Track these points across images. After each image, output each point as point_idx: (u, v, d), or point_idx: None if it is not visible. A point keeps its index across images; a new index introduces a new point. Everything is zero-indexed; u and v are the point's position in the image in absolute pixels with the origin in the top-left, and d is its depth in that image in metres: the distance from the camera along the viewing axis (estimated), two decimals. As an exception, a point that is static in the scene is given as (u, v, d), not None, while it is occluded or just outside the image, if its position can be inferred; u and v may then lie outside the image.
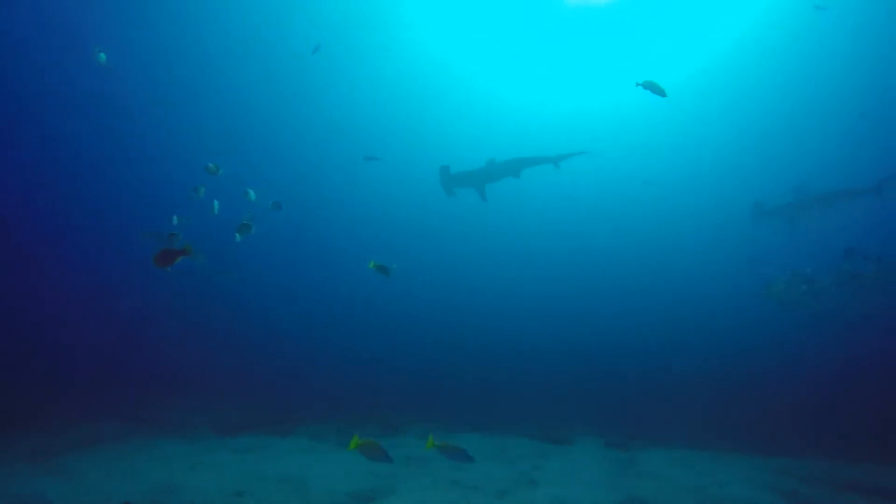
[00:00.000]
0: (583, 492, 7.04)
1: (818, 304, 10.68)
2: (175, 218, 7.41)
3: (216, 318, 19.25)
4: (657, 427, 11.35)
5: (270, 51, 22.87)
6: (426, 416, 12.56)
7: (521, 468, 8.40)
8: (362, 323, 19.85)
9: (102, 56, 9.65)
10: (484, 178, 12.11)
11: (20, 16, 19.93)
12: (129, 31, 21.29)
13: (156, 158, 23.78)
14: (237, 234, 6.85)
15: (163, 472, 7.55)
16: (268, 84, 24.14)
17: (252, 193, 7.91)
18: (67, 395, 12.14)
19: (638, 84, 7.32)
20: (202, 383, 13.86)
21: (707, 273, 19.95)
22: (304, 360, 16.59)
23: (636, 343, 16.34)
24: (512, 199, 20.51)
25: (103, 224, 22.44)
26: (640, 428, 11.31)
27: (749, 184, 18.50)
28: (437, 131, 24.87)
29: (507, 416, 12.44)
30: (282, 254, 23.69)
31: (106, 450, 8.84)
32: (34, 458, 8.28)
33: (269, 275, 22.57)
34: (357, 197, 25.78)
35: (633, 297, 20.16)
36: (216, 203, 7.55)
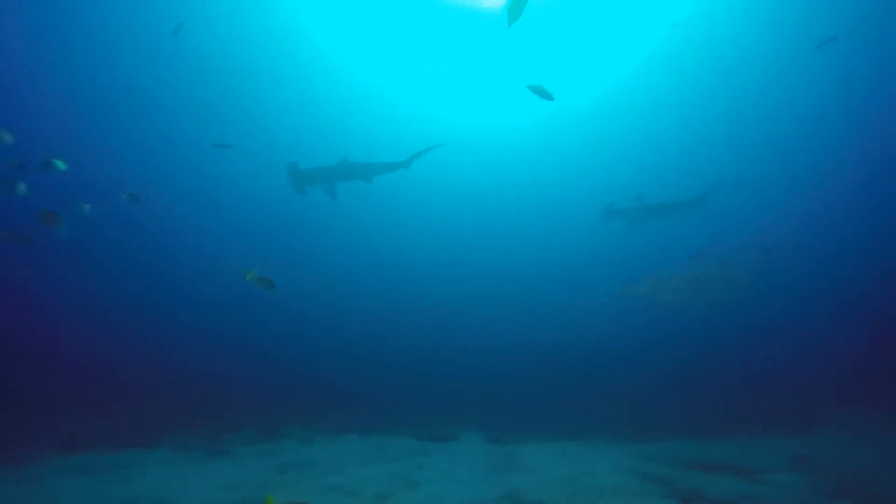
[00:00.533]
0: (462, 489, 7.09)
1: (675, 302, 11.79)
2: None
3: (65, 322, 16.89)
4: (538, 421, 11.83)
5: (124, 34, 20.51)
6: (306, 417, 12.05)
7: (402, 468, 8.29)
8: (234, 320, 18.40)
9: None
10: (334, 176, 11.85)
11: None
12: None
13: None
14: (42, 224, 5.80)
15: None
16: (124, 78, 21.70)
17: (61, 164, 6.57)
18: None
19: (528, 87, 7.46)
20: (44, 397, 12.05)
21: (583, 274, 21.10)
22: (169, 362, 15.09)
23: (518, 341, 16.94)
24: (381, 201, 20.40)
25: None
26: (521, 422, 11.71)
27: (604, 189, 19.56)
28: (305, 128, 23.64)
29: (391, 415, 12.31)
30: (143, 247, 21.39)
31: None
32: None
33: (128, 269, 20.29)
34: (222, 191, 23.76)
35: (514, 298, 20.82)
36: (22, 185, 6.41)
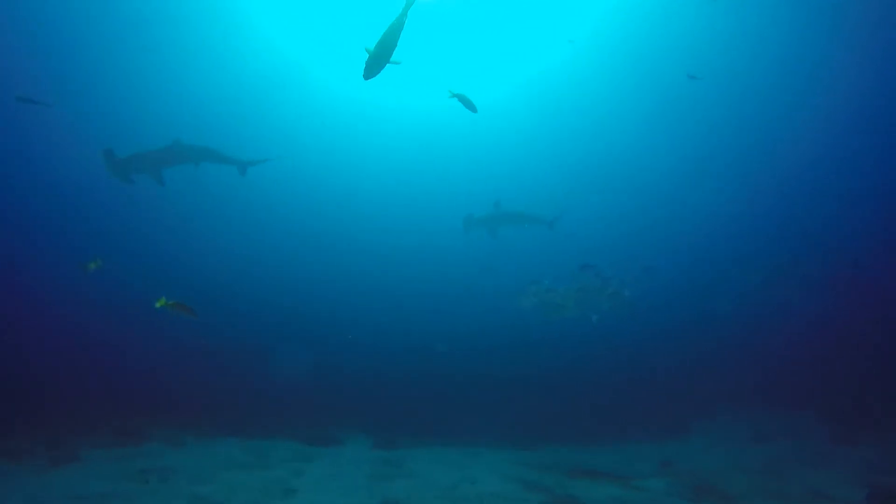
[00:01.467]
0: (340, 497, 6.73)
1: (560, 313, 12.14)
2: None
3: None
4: (426, 426, 11.66)
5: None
6: (174, 418, 11.00)
7: (280, 475, 7.76)
8: (100, 299, 15.94)
9: None
10: (160, 161, 10.70)
11: None
12: None
13: None
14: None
15: None
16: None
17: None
18: None
19: (452, 95, 7.25)
20: None
21: (472, 280, 21.08)
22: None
23: (411, 346, 16.64)
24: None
25: None
26: (410, 428, 11.47)
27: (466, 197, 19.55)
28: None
29: (274, 418, 11.60)
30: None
31: None
32: None
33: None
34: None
35: (406, 301, 20.37)
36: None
